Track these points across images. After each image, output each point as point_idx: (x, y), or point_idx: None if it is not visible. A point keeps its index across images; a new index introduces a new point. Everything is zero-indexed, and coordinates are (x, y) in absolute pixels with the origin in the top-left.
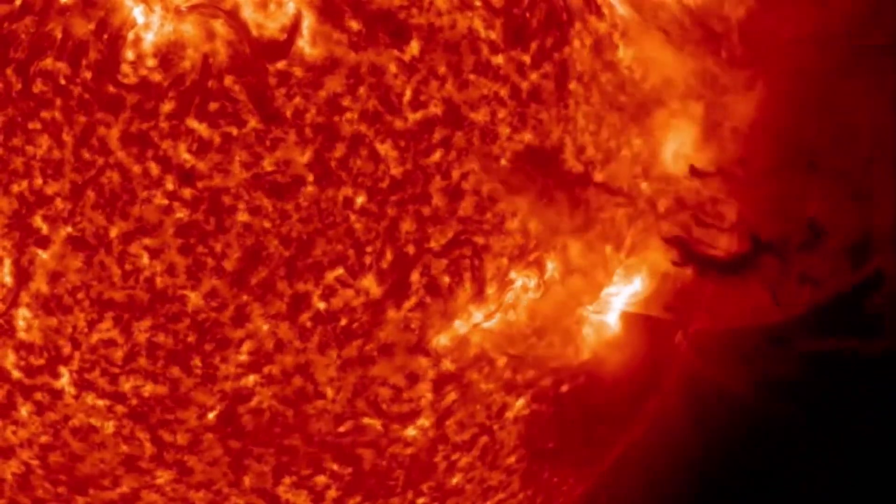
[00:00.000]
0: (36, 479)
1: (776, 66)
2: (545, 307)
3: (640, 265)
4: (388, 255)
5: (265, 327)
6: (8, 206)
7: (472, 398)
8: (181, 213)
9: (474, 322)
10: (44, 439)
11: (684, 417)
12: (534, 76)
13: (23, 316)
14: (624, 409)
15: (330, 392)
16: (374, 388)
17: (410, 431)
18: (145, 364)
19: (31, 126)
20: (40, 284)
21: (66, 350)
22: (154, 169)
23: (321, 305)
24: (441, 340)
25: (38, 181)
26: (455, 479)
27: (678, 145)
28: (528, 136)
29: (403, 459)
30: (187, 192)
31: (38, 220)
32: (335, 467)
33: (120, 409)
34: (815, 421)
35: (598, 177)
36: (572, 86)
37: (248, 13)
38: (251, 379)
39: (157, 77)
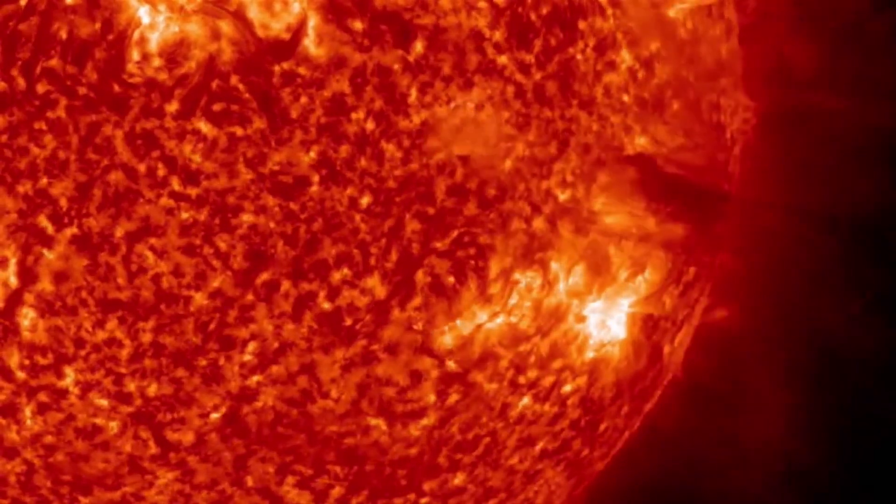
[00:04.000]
0: (39, 479)
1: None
2: (549, 307)
3: (644, 264)
4: (393, 255)
5: (270, 328)
6: (13, 206)
7: (475, 398)
8: (186, 214)
9: (478, 322)
10: (48, 439)
11: (686, 417)
12: (538, 76)
13: (28, 316)
14: (626, 409)
15: (334, 392)
16: (377, 388)
17: (414, 431)
18: (150, 364)
19: (36, 126)
20: (45, 284)
21: (71, 350)
22: (159, 169)
23: (326, 305)
24: (445, 340)
25: (44, 181)
26: (457, 479)
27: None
28: (531, 137)
29: (406, 459)
30: (193, 192)
31: (43, 221)
32: (338, 467)
33: (124, 408)
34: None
35: (602, 177)
36: (576, 86)
37: (254, 13)
38: (256, 379)
39: (162, 77)
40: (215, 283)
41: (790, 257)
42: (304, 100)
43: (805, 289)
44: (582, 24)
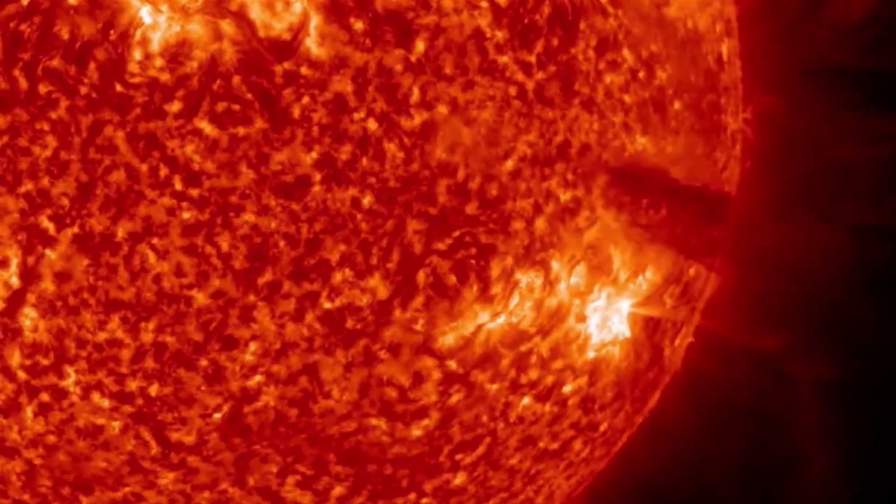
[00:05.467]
0: (41, 479)
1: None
2: (550, 307)
3: (644, 264)
4: (395, 256)
5: (272, 327)
6: (14, 206)
7: (476, 398)
8: (188, 214)
9: (479, 322)
10: (49, 439)
11: (686, 417)
12: (539, 76)
13: (30, 316)
14: (626, 409)
15: (336, 392)
16: (379, 388)
17: (415, 431)
18: (152, 364)
19: (37, 126)
20: (47, 284)
21: (73, 350)
22: (161, 169)
23: (328, 305)
24: (447, 341)
25: (45, 181)
26: (458, 479)
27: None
28: (532, 136)
29: (408, 459)
30: (194, 192)
31: (44, 221)
32: (340, 467)
33: (126, 408)
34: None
35: (601, 177)
36: (577, 86)
37: (256, 13)
38: (257, 379)
39: (164, 77)
40: (217, 283)
41: (801, 258)
42: (305, 100)
43: (812, 289)
44: (583, 25)
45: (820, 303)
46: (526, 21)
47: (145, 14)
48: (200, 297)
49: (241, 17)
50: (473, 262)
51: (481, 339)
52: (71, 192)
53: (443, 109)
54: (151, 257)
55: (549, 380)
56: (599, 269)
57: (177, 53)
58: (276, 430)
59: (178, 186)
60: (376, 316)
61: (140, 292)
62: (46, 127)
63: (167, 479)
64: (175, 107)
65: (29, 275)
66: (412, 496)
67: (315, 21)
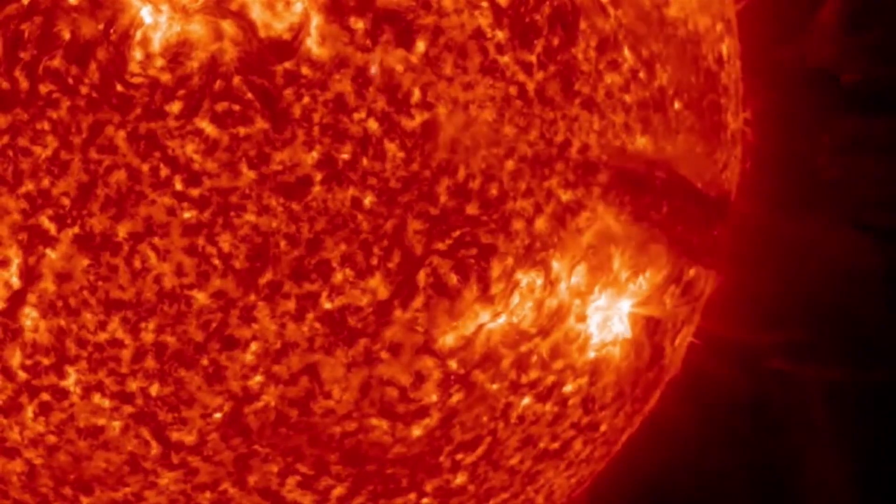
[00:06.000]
0: (41, 480)
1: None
2: (550, 307)
3: (645, 265)
4: (396, 256)
5: (272, 327)
6: (15, 206)
7: (477, 398)
8: (189, 213)
9: (480, 322)
10: (50, 439)
11: (686, 417)
12: (540, 76)
13: (30, 316)
14: (627, 409)
15: (336, 392)
16: (380, 388)
17: (415, 431)
18: (152, 364)
19: (38, 126)
20: (48, 284)
21: (73, 350)
22: (162, 169)
23: (328, 305)
24: (447, 341)
25: (46, 181)
26: (459, 480)
27: (680, 145)
28: (533, 136)
29: (408, 459)
30: (195, 192)
31: (45, 221)
32: (340, 467)
33: (126, 409)
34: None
35: (602, 177)
36: (578, 86)
37: (256, 13)
38: (258, 379)
39: (165, 77)
40: (218, 283)
41: (802, 258)
42: (306, 100)
43: (813, 289)
44: (583, 24)
45: (821, 303)
46: (527, 21)
47: (146, 14)
48: (201, 297)
49: (241, 17)
50: (474, 262)
51: (482, 339)
52: (72, 192)
53: (443, 109)
54: (152, 257)
55: (550, 380)
56: (600, 269)
57: (177, 53)
58: (277, 430)
59: (179, 186)
60: (377, 316)
61: (141, 292)
62: (47, 127)
63: (167, 479)
64: (176, 107)
65: (29, 275)
66: (412, 496)
67: (316, 21)
